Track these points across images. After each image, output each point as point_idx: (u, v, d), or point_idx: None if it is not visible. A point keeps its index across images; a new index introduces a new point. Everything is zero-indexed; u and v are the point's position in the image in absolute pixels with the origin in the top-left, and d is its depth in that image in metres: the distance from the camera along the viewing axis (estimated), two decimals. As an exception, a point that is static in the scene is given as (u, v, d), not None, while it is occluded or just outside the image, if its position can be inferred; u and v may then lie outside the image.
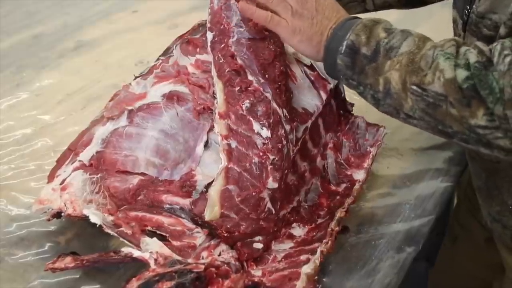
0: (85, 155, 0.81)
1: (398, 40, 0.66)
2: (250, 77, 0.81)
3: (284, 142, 0.78)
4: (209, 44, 0.84)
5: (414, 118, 0.65)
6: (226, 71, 0.82)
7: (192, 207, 0.77)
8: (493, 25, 0.67)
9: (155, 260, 0.68)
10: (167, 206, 0.78)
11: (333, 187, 0.87)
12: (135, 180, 0.80)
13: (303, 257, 0.75)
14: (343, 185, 0.88)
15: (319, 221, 0.82)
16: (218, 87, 0.81)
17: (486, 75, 0.59)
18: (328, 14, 0.72)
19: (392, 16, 1.28)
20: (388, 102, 0.66)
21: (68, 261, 0.72)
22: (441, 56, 0.62)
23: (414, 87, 0.63)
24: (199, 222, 0.76)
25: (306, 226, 0.81)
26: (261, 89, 0.80)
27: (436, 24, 1.29)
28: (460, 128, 0.62)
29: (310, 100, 0.87)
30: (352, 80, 0.69)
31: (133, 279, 0.65)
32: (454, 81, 0.60)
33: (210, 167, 0.81)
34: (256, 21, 0.78)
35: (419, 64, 0.63)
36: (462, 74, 0.60)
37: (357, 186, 0.86)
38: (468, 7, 0.70)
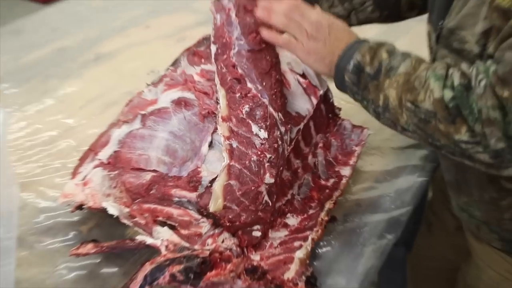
0: (104, 154, 0.81)
1: (398, 61, 0.66)
2: (249, 85, 0.81)
3: (280, 142, 0.79)
4: (213, 55, 0.84)
5: (409, 131, 0.66)
6: (228, 79, 0.82)
7: (198, 200, 0.77)
8: (460, 40, 0.67)
9: (166, 246, 0.69)
10: (176, 199, 0.78)
11: (323, 182, 0.88)
12: (147, 176, 0.80)
13: (296, 244, 0.75)
14: (332, 180, 0.88)
15: (311, 212, 0.82)
16: (221, 94, 0.81)
17: (467, 96, 0.60)
18: (340, 36, 0.72)
19: (375, 30, 1.29)
20: (387, 116, 0.68)
21: (89, 247, 0.72)
22: (432, 77, 0.63)
23: (409, 104, 0.64)
24: (205, 213, 0.76)
25: (299, 216, 0.82)
26: (259, 95, 0.80)
27: (413, 37, 1.29)
28: (447, 142, 0.63)
29: (302, 105, 0.87)
30: (357, 95, 0.70)
31: (147, 263, 0.65)
32: (442, 100, 0.61)
33: (214, 165, 0.81)
34: (276, 44, 0.80)
35: (413, 84, 0.64)
36: (448, 94, 0.61)
37: (344, 181, 0.87)
38: (440, 22, 0.70)
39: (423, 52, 1.14)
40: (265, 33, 0.78)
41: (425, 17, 0.84)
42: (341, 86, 0.72)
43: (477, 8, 0.64)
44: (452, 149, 0.63)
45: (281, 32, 0.76)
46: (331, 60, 0.72)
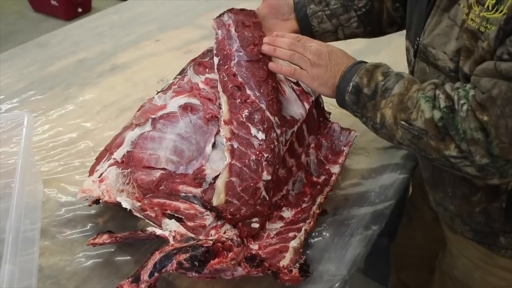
0: (118, 154, 0.81)
1: (392, 82, 0.66)
2: (248, 92, 0.80)
3: (276, 143, 0.78)
4: (215, 66, 0.84)
5: (404, 145, 0.66)
6: (229, 87, 0.81)
7: (203, 195, 0.77)
8: (432, 57, 0.67)
9: (174, 237, 0.68)
10: (183, 194, 0.77)
11: (315, 179, 0.87)
12: (157, 173, 0.79)
13: (291, 234, 0.74)
14: (323, 177, 0.87)
15: (304, 205, 0.82)
16: (223, 100, 0.80)
17: (453, 118, 0.60)
18: (339, 61, 0.73)
19: (360, 44, 1.28)
20: (384, 131, 0.68)
21: (105, 237, 0.71)
22: (422, 98, 0.63)
23: (403, 122, 0.64)
24: (208, 207, 0.75)
25: (293, 210, 0.81)
26: (257, 101, 0.80)
27: (394, 50, 1.28)
28: (438, 156, 0.63)
29: (296, 109, 0.87)
30: (357, 113, 0.70)
31: (156, 252, 0.65)
32: (432, 120, 0.61)
33: (217, 163, 0.80)
34: (283, 74, 0.81)
35: (406, 104, 0.64)
36: (437, 114, 0.61)
37: (333, 177, 0.86)
38: (417, 38, 0.70)
39: (403, 64, 1.14)
40: (273, 66, 0.80)
41: (404, 32, 0.83)
42: (342, 105, 0.73)
43: (449, 29, 0.64)
44: (442, 162, 0.63)
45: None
46: (333, 83, 0.72)
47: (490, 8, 0.57)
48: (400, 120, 0.64)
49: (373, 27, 0.86)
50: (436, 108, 0.61)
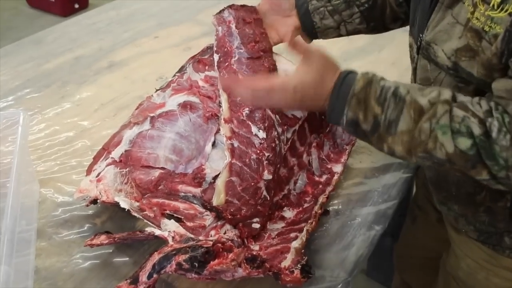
0: (116, 153, 0.81)
1: (393, 112, 0.59)
2: (249, 90, 0.80)
3: (277, 142, 0.78)
4: (215, 63, 0.83)
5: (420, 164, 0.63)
6: (230, 84, 0.81)
7: (202, 194, 0.76)
8: (433, 53, 0.67)
9: (173, 237, 0.68)
10: (182, 194, 0.77)
11: (317, 178, 0.87)
12: (156, 173, 0.79)
13: (292, 235, 0.74)
14: (325, 176, 0.87)
15: (305, 205, 0.81)
16: (223, 98, 0.80)
17: (490, 147, 0.55)
18: (316, 95, 0.63)
19: (362, 41, 1.28)
20: (395, 156, 0.63)
21: (103, 238, 0.71)
22: (438, 129, 0.57)
23: (420, 154, 0.59)
24: (208, 207, 0.75)
25: (295, 210, 0.81)
26: (258, 99, 0.79)
27: (397, 46, 1.28)
28: (463, 177, 0.60)
29: (297, 107, 0.87)
30: (358, 138, 0.65)
31: (155, 252, 0.64)
32: (457, 151, 0.56)
33: (217, 163, 0.80)
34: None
35: (420, 139, 0.58)
36: (465, 143, 0.56)
37: (335, 177, 0.86)
38: (420, 35, 0.70)
39: (406, 60, 1.14)
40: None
41: (407, 28, 0.83)
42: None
43: (451, 27, 0.63)
44: (466, 179, 0.61)
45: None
46: (322, 106, 0.63)
47: (495, 7, 0.57)
48: (416, 153, 0.59)
49: (376, 23, 0.86)
50: (461, 134, 0.56)
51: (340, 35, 0.88)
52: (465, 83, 0.65)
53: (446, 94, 0.59)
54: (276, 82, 0.63)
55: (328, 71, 0.63)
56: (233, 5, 0.90)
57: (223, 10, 0.90)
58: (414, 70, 0.74)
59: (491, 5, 0.57)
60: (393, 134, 0.59)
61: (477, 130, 0.56)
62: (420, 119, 0.58)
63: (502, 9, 0.56)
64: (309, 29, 0.86)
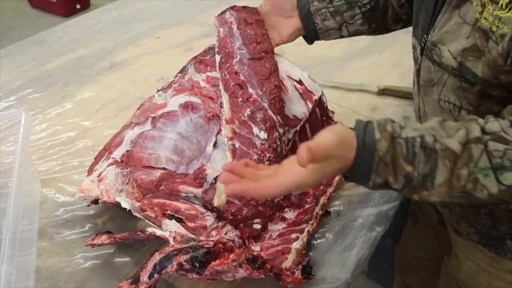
0: (117, 153, 0.81)
1: (426, 166, 0.54)
2: (250, 90, 0.80)
3: (278, 143, 0.78)
4: (217, 64, 0.84)
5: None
6: (231, 85, 0.81)
7: (204, 195, 0.77)
8: (439, 54, 0.66)
9: (174, 238, 0.68)
10: (183, 194, 0.78)
11: (317, 179, 0.87)
12: (157, 173, 0.79)
13: (293, 236, 0.74)
14: (325, 177, 0.87)
15: (306, 206, 0.82)
16: (225, 98, 0.80)
17: None
18: (333, 171, 0.56)
19: (364, 42, 1.28)
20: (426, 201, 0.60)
21: (104, 238, 0.71)
22: (478, 173, 0.54)
23: (457, 194, 0.56)
24: (209, 207, 0.75)
25: (296, 211, 0.81)
26: (259, 99, 0.80)
27: (399, 48, 1.29)
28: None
29: (299, 108, 0.87)
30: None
31: (156, 253, 0.65)
32: (502, 188, 0.54)
33: (218, 163, 0.80)
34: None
35: (459, 185, 0.55)
36: (510, 178, 0.53)
37: (337, 178, 0.86)
38: (425, 36, 0.70)
39: (407, 61, 1.14)
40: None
41: (410, 29, 0.83)
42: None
43: (458, 27, 0.63)
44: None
45: None
46: (344, 170, 0.57)
47: (503, 7, 0.57)
48: (453, 195, 0.56)
49: (378, 24, 0.86)
50: (505, 169, 0.53)
51: (341, 36, 0.88)
52: (470, 84, 0.65)
53: (475, 130, 0.56)
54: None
55: (345, 148, 0.55)
56: (234, 6, 0.90)
57: (224, 11, 0.90)
58: (418, 71, 0.74)
59: (499, 4, 0.57)
60: (430, 189, 0.55)
61: None
62: (456, 166, 0.54)
63: (510, 9, 0.56)
64: (311, 31, 0.86)
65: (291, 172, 0.56)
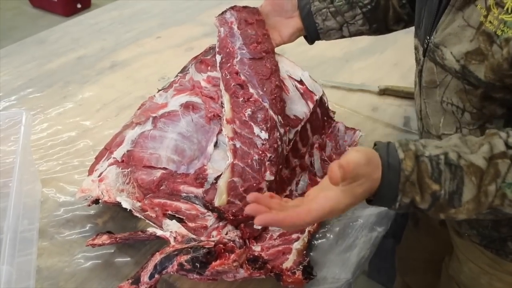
0: (118, 153, 0.81)
1: (452, 183, 0.54)
2: (251, 90, 0.80)
3: (279, 143, 0.78)
4: (218, 64, 0.84)
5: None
6: (232, 85, 0.81)
7: (204, 195, 0.77)
8: (442, 56, 0.66)
9: (175, 238, 0.68)
10: (184, 194, 0.78)
11: (318, 179, 0.87)
12: (158, 173, 0.79)
13: (294, 236, 0.74)
14: (326, 177, 0.87)
15: (307, 206, 0.81)
16: (226, 98, 0.80)
17: None
18: (361, 196, 0.55)
19: (364, 42, 1.28)
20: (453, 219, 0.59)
21: (104, 238, 0.71)
22: (506, 188, 0.53)
23: (484, 211, 0.55)
24: (210, 208, 0.75)
25: (297, 211, 0.81)
26: (260, 99, 0.79)
27: (400, 48, 1.29)
28: None
29: (300, 108, 0.87)
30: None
31: (157, 253, 0.65)
32: None
33: (219, 163, 0.80)
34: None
35: (486, 201, 0.54)
36: None
37: (337, 178, 0.86)
38: (428, 37, 0.69)
39: (408, 62, 1.13)
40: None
41: (411, 29, 0.83)
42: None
43: (461, 29, 0.62)
44: None
45: None
46: (369, 196, 0.56)
47: (509, 11, 0.56)
48: (479, 213, 0.55)
49: (379, 24, 0.86)
50: None
51: (342, 37, 0.88)
52: (473, 86, 0.64)
53: (499, 144, 0.55)
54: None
55: (372, 166, 0.55)
56: (235, 6, 0.90)
57: (225, 11, 0.90)
58: (420, 73, 0.74)
59: (505, 8, 0.56)
60: (457, 206, 0.55)
61: None
62: (483, 182, 0.54)
63: None
64: (312, 31, 0.86)
65: (321, 198, 0.54)
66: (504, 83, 0.60)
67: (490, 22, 0.58)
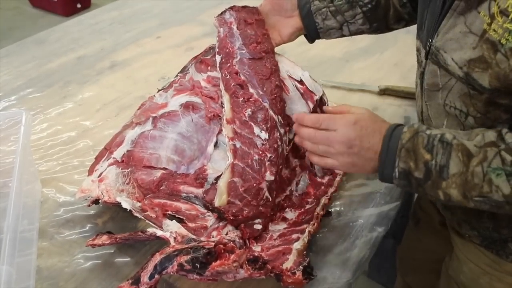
0: (118, 153, 0.81)
1: (443, 157, 0.61)
2: (251, 90, 0.80)
3: (279, 143, 0.78)
4: (217, 65, 0.84)
5: (481, 208, 0.62)
6: (232, 85, 0.81)
7: (204, 195, 0.77)
8: (443, 60, 0.65)
9: (175, 238, 0.68)
10: (184, 194, 0.77)
11: (319, 179, 0.87)
12: (158, 173, 0.79)
13: (294, 236, 0.74)
14: (327, 177, 0.87)
15: (307, 206, 0.81)
16: (226, 98, 0.80)
17: None
18: (372, 141, 0.66)
19: (365, 42, 1.28)
20: (451, 203, 0.64)
21: (104, 238, 0.71)
22: (491, 173, 0.58)
23: (476, 198, 0.60)
24: (210, 208, 0.75)
25: (297, 211, 0.81)
26: (260, 99, 0.79)
27: (400, 48, 1.28)
28: None
29: (300, 108, 0.87)
30: (412, 191, 0.67)
31: (157, 253, 0.64)
32: None
33: (219, 163, 0.80)
34: (317, 164, 0.75)
35: (473, 182, 0.59)
36: None
37: (338, 178, 0.86)
38: (430, 40, 0.69)
39: (408, 62, 1.14)
40: (313, 159, 0.72)
41: (411, 29, 0.83)
42: (391, 183, 0.67)
43: (463, 36, 0.62)
44: None
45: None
46: (373, 166, 0.67)
47: None
48: (472, 196, 0.60)
49: (379, 23, 0.86)
50: None
51: (342, 35, 0.88)
52: (477, 91, 0.63)
53: (491, 135, 0.60)
54: (338, 114, 0.69)
55: (377, 123, 0.68)
56: (234, 6, 0.90)
57: (224, 11, 0.90)
58: (422, 75, 0.73)
59: (509, 17, 0.55)
60: (446, 179, 0.60)
61: None
62: (470, 162, 0.59)
63: None
64: (311, 30, 0.86)
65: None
66: (510, 90, 0.59)
67: (494, 30, 0.57)
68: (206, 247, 0.63)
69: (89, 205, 0.77)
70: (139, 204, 0.75)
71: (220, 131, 0.82)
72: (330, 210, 0.83)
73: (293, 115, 0.85)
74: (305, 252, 0.71)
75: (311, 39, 0.88)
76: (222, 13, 0.90)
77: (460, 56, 0.62)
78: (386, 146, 0.65)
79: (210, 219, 0.74)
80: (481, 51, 0.59)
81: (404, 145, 0.63)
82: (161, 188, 0.78)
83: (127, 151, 0.81)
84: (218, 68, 0.84)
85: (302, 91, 0.89)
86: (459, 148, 0.60)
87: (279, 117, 0.80)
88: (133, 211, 0.72)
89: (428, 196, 0.66)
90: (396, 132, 0.65)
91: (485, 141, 0.60)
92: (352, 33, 0.87)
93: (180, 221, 0.73)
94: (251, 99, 0.79)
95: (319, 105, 0.92)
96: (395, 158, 0.64)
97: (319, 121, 0.69)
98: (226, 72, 0.82)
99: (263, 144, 0.76)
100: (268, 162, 0.75)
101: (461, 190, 0.60)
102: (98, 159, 0.82)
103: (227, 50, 0.85)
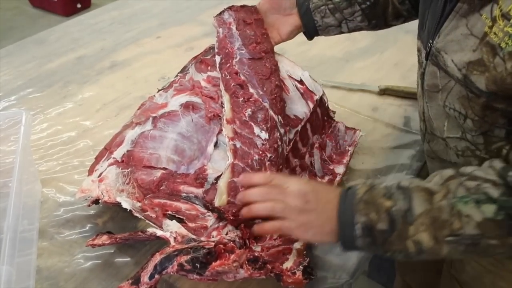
0: (118, 153, 0.81)
1: (405, 201, 0.58)
2: (251, 90, 0.80)
3: (279, 143, 0.78)
4: (217, 65, 0.84)
5: (455, 256, 0.60)
6: (232, 85, 0.81)
7: (204, 195, 0.77)
8: (443, 62, 0.65)
9: (175, 238, 0.68)
10: (184, 194, 0.77)
11: (319, 179, 0.87)
12: (158, 173, 0.79)
13: (294, 236, 0.74)
14: (327, 177, 0.87)
15: (307, 206, 0.81)
16: (226, 98, 0.80)
17: None
18: (328, 197, 0.62)
19: (364, 42, 1.28)
20: (423, 257, 0.59)
21: (104, 238, 0.71)
22: (458, 203, 0.56)
23: (448, 238, 0.56)
24: (210, 208, 0.75)
25: (297, 211, 0.81)
26: (260, 99, 0.79)
27: (400, 47, 1.28)
28: (503, 250, 0.57)
29: (300, 108, 0.87)
30: (378, 251, 0.61)
31: (157, 253, 0.64)
32: (486, 220, 0.55)
33: (219, 163, 0.80)
34: (270, 233, 0.71)
35: (441, 218, 0.56)
36: (490, 208, 0.54)
37: (338, 178, 0.86)
38: (431, 41, 0.68)
39: (408, 62, 1.13)
40: (257, 228, 0.67)
41: (411, 29, 0.83)
42: (353, 249, 0.62)
43: (464, 38, 0.61)
44: (509, 252, 0.58)
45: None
46: (332, 228, 0.61)
47: None
48: (444, 237, 0.56)
49: (378, 20, 0.86)
50: (483, 202, 0.54)
51: (341, 32, 0.88)
52: (475, 95, 0.63)
53: (449, 171, 0.60)
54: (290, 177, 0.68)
55: (328, 186, 0.70)
56: (233, 6, 0.90)
57: (223, 11, 0.90)
58: (422, 75, 0.73)
59: (511, 21, 0.55)
60: (412, 222, 0.57)
61: (495, 193, 0.55)
62: (434, 198, 0.57)
63: None
64: (310, 28, 0.86)
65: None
66: (507, 94, 0.59)
67: (494, 33, 0.57)
68: (206, 247, 0.63)
69: (89, 205, 0.77)
70: (139, 204, 0.75)
71: (220, 131, 0.82)
72: (330, 210, 0.83)
73: (292, 115, 0.85)
74: (305, 252, 0.71)
75: (309, 36, 0.89)
76: (220, 13, 0.90)
77: (460, 58, 0.62)
78: (343, 203, 0.60)
79: (210, 219, 0.74)
80: (481, 54, 0.59)
81: (361, 198, 0.60)
82: (161, 188, 0.78)
83: (127, 151, 0.81)
84: (218, 69, 0.84)
85: (302, 91, 0.89)
86: (419, 188, 0.58)
87: (279, 117, 0.80)
88: (133, 211, 0.72)
89: (396, 257, 0.60)
90: (350, 190, 0.62)
91: (444, 178, 0.58)
92: (350, 30, 0.88)
93: (180, 221, 0.73)
94: (251, 99, 0.79)
95: (319, 105, 0.92)
96: (353, 214, 0.59)
97: (270, 177, 0.66)
98: (226, 72, 0.82)
99: (263, 144, 0.76)
100: (268, 162, 0.75)
101: (431, 231, 0.56)
102: (98, 159, 0.82)
103: (227, 51, 0.85)
